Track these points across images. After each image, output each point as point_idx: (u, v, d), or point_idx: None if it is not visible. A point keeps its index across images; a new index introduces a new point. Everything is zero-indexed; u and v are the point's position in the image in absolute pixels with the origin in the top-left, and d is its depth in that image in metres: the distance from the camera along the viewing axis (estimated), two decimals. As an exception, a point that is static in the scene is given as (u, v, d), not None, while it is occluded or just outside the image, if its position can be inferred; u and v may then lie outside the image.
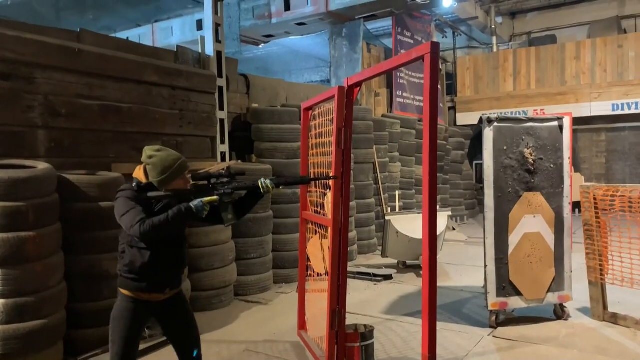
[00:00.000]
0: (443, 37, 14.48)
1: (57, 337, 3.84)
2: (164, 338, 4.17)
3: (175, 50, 6.54)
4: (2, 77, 4.34)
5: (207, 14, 7.01)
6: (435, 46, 2.55)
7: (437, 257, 2.76)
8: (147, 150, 2.63)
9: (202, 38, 6.95)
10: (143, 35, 12.29)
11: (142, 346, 3.92)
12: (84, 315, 4.06)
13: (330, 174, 3.44)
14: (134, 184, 2.60)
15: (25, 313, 3.59)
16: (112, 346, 2.60)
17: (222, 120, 6.83)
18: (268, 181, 2.71)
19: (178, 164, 2.62)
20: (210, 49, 6.84)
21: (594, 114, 12.84)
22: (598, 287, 4.78)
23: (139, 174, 2.65)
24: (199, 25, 10.88)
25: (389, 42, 12.90)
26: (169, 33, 11.67)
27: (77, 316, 4.04)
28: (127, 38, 9.08)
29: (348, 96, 3.51)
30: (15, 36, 4.40)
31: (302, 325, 4.44)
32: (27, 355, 3.59)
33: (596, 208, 4.76)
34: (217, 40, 6.88)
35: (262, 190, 2.70)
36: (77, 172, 4.34)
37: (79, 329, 4.04)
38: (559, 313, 4.84)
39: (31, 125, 4.56)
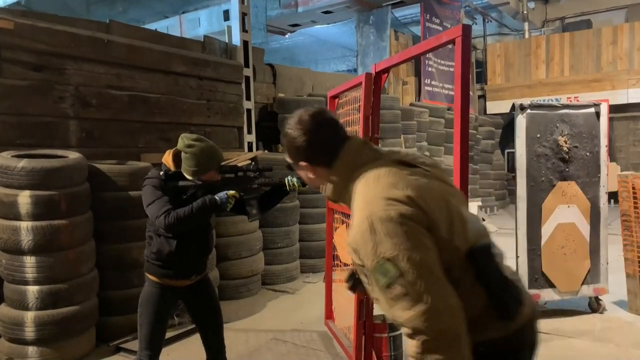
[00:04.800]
0: (473, 24, 14.14)
1: (90, 323, 3.93)
2: (192, 326, 4.23)
3: (203, 40, 6.56)
4: (34, 68, 4.43)
5: (233, 4, 7.01)
6: (466, 29, 2.45)
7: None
8: (185, 139, 2.58)
9: (229, 28, 6.96)
10: (171, 26, 12.37)
11: (170, 334, 3.99)
12: (115, 302, 4.13)
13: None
14: (162, 172, 2.60)
15: (58, 300, 3.68)
16: (140, 329, 2.66)
17: (248, 110, 6.84)
18: (294, 179, 2.68)
19: (215, 157, 2.61)
20: (237, 39, 6.84)
21: (631, 101, 12.38)
22: (636, 280, 4.61)
23: (167, 159, 2.65)
24: (226, 15, 10.88)
25: (417, 30, 12.70)
26: (196, 24, 11.72)
27: (108, 303, 4.12)
28: (156, 30, 9.16)
29: (375, 83, 3.43)
30: (46, 28, 4.48)
31: (329, 314, 4.42)
32: (61, 340, 3.69)
33: (635, 198, 4.58)
34: (243, 29, 6.87)
35: (288, 188, 2.68)
36: (107, 162, 4.40)
37: (110, 316, 4.12)
38: (594, 306, 4.70)
39: (63, 116, 4.64)
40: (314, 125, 1.48)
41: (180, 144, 2.59)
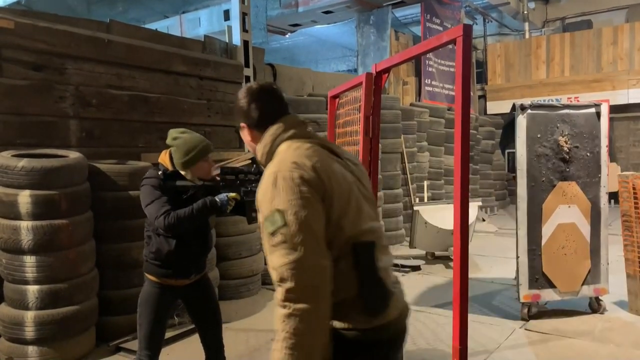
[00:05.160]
0: (473, 24, 14.13)
1: (90, 323, 3.92)
2: (192, 326, 4.23)
3: (203, 40, 6.55)
4: (34, 68, 4.42)
5: (234, 4, 7.00)
6: (467, 29, 2.46)
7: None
8: (172, 133, 2.66)
9: (229, 28, 6.95)
10: (171, 26, 12.37)
11: (170, 334, 3.98)
12: (115, 302, 4.13)
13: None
14: (160, 172, 2.61)
15: (58, 299, 3.67)
16: (140, 329, 2.65)
17: (249, 110, 6.83)
18: None
19: (201, 145, 2.63)
20: (237, 39, 6.83)
21: (631, 101, 12.39)
22: (636, 280, 4.61)
23: (164, 159, 2.66)
24: (226, 15, 10.89)
25: (417, 30, 12.70)
26: (197, 24, 11.71)
27: (108, 303, 4.11)
28: (156, 30, 9.16)
29: (376, 83, 3.43)
30: (46, 27, 4.47)
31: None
32: (61, 340, 3.68)
33: (635, 198, 4.57)
34: (244, 29, 6.87)
35: None
36: (107, 162, 4.40)
37: (110, 316, 4.12)
38: (595, 306, 4.69)
39: (63, 115, 4.64)
40: (258, 92, 1.65)
41: (168, 139, 2.64)
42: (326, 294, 1.36)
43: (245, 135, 1.69)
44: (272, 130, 1.59)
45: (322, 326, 1.37)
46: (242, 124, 1.67)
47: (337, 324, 1.44)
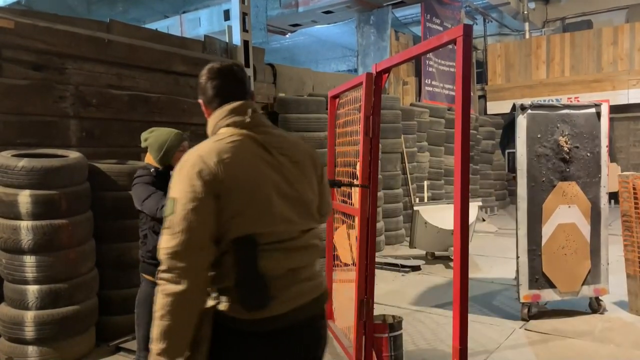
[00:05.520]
0: (473, 24, 14.13)
1: (90, 323, 3.92)
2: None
3: (203, 40, 6.55)
4: (34, 67, 4.42)
5: (234, 4, 6.98)
6: (467, 29, 2.45)
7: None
8: (143, 135, 2.73)
9: (229, 28, 6.94)
10: (171, 26, 12.36)
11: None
12: (115, 302, 4.13)
13: (357, 173, 3.39)
14: (152, 170, 2.63)
15: (58, 299, 3.68)
16: (138, 330, 2.65)
17: (249, 110, 6.82)
18: None
19: (171, 137, 2.67)
20: (237, 39, 6.82)
21: (631, 101, 12.39)
22: (636, 280, 4.61)
23: (150, 159, 2.69)
24: (227, 15, 10.88)
25: (417, 30, 12.70)
26: (197, 24, 11.71)
27: (108, 303, 4.11)
28: (156, 29, 9.13)
29: (376, 83, 3.43)
30: (46, 27, 4.47)
31: (329, 314, 4.42)
32: (61, 340, 3.69)
33: (635, 198, 4.57)
34: (244, 29, 6.86)
35: None
36: (107, 161, 4.40)
37: (110, 316, 4.12)
38: (595, 306, 4.69)
39: (63, 115, 4.63)
40: (217, 71, 1.68)
41: (142, 142, 2.67)
42: (195, 281, 1.45)
43: (204, 110, 1.74)
44: (217, 113, 1.64)
45: (188, 308, 1.46)
46: (199, 100, 1.72)
47: (222, 307, 1.53)
